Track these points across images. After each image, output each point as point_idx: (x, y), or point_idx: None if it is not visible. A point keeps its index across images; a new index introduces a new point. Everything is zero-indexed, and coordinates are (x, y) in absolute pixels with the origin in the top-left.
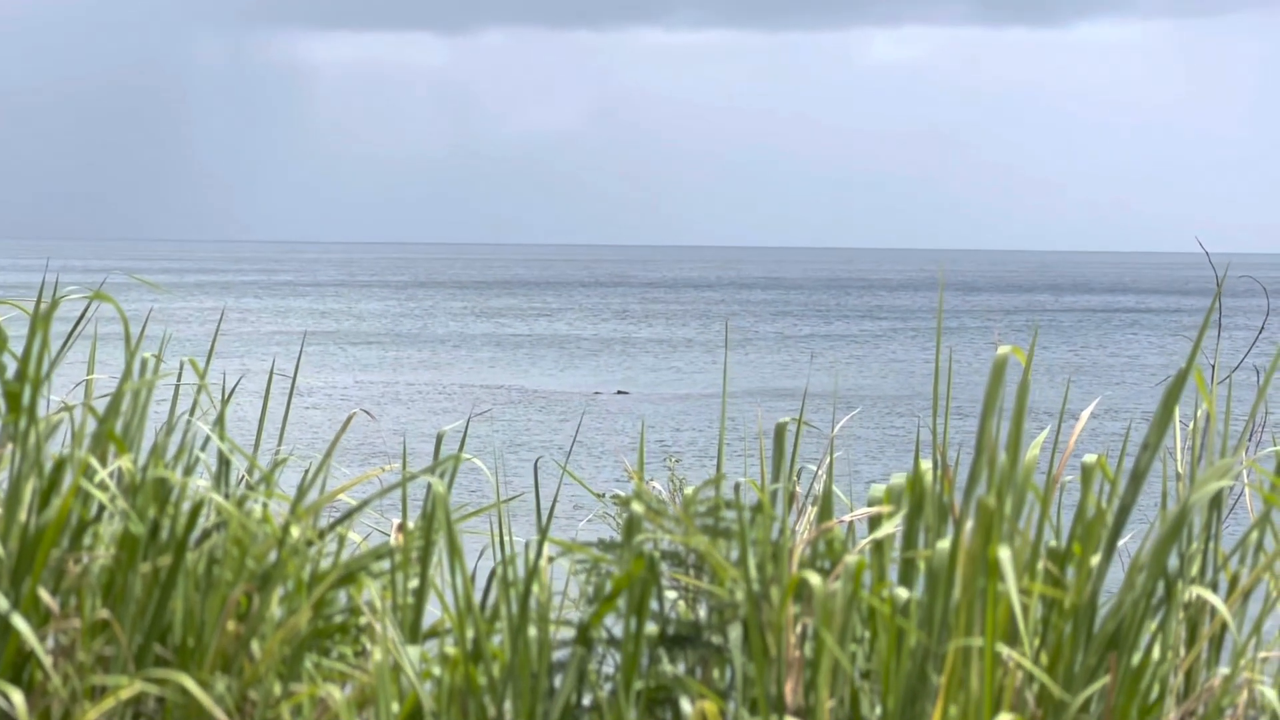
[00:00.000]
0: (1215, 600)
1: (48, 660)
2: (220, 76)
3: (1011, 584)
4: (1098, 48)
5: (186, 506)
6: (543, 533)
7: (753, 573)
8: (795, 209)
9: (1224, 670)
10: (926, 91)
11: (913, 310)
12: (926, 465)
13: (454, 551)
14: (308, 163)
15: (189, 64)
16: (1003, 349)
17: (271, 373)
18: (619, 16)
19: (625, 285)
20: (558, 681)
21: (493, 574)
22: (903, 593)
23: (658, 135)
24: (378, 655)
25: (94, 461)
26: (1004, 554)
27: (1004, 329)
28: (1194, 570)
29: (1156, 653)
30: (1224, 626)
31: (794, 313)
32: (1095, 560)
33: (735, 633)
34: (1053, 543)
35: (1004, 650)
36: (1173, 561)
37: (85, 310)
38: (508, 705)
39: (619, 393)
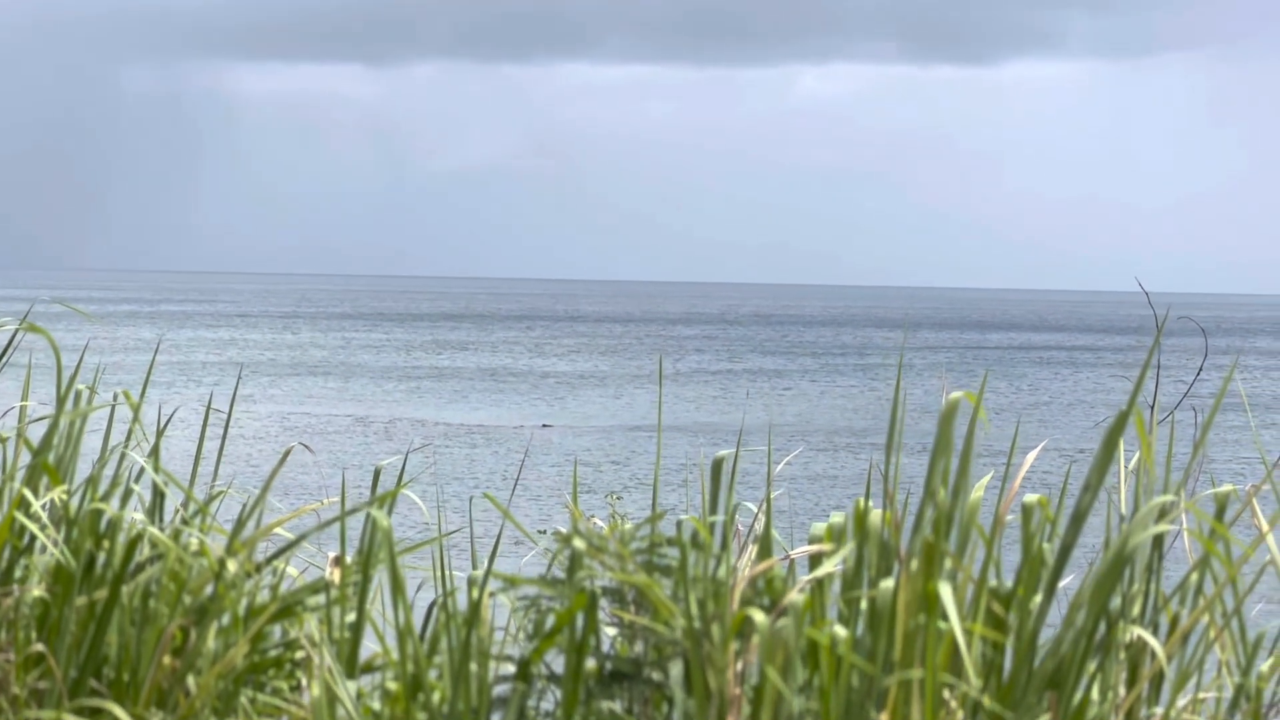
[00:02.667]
0: (1154, 642)
1: None
2: (149, 106)
3: (955, 620)
4: (1026, 87)
5: (122, 539)
6: (488, 568)
7: (694, 609)
8: (724, 244)
9: (1161, 710)
10: (856, 128)
11: (837, 345)
12: (864, 503)
13: (396, 585)
14: (236, 193)
15: (117, 93)
16: (954, 394)
17: (209, 405)
18: (546, 50)
19: (548, 319)
20: (497, 718)
21: (432, 608)
22: (840, 630)
23: (586, 170)
24: (315, 690)
25: (28, 494)
26: (945, 590)
27: (930, 366)
28: (1135, 610)
29: (1096, 693)
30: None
31: (716, 348)
32: (1036, 600)
33: (676, 669)
34: (993, 583)
35: (944, 688)
36: (1115, 601)
37: (12, 339)
38: None
39: (544, 426)
